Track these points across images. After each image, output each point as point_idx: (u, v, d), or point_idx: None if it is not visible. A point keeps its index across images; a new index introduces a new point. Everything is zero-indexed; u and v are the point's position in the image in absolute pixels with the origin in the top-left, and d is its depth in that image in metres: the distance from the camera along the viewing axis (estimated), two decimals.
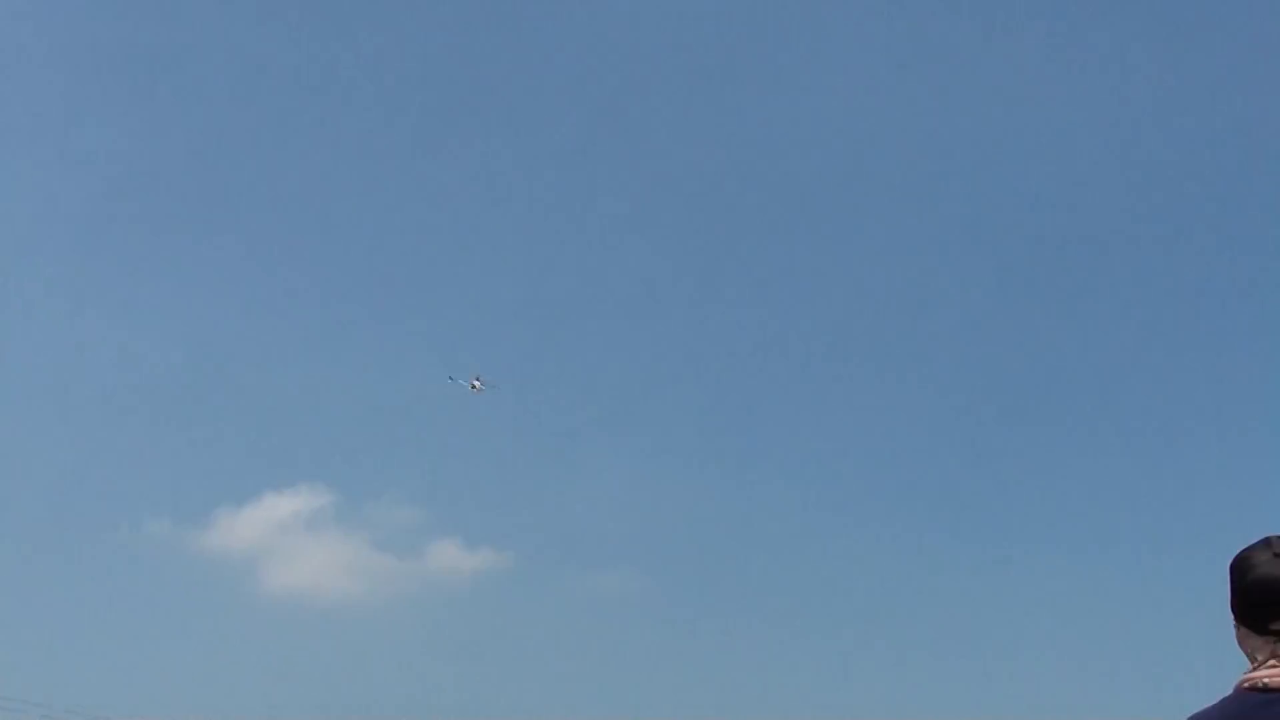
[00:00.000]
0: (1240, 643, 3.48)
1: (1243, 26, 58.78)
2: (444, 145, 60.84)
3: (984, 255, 57.94)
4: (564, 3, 61.35)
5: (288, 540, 50.33)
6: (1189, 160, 57.52)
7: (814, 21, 59.84)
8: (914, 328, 57.10)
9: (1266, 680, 3.35)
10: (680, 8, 60.66)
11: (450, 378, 50.19)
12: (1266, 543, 3.45)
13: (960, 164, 58.48)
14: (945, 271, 57.78)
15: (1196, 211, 57.27)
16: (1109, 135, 59.00)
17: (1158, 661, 42.03)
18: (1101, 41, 58.44)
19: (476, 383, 48.58)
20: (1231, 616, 3.49)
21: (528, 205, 59.07)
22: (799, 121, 59.12)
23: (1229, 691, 3.43)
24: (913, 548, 49.96)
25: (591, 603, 49.73)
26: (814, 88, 58.43)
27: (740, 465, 55.12)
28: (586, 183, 61.00)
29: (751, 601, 50.24)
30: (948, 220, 59.44)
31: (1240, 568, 3.46)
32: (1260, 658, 3.40)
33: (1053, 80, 59.56)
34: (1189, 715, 3.46)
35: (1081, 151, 58.99)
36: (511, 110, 61.69)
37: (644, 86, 61.11)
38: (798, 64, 58.56)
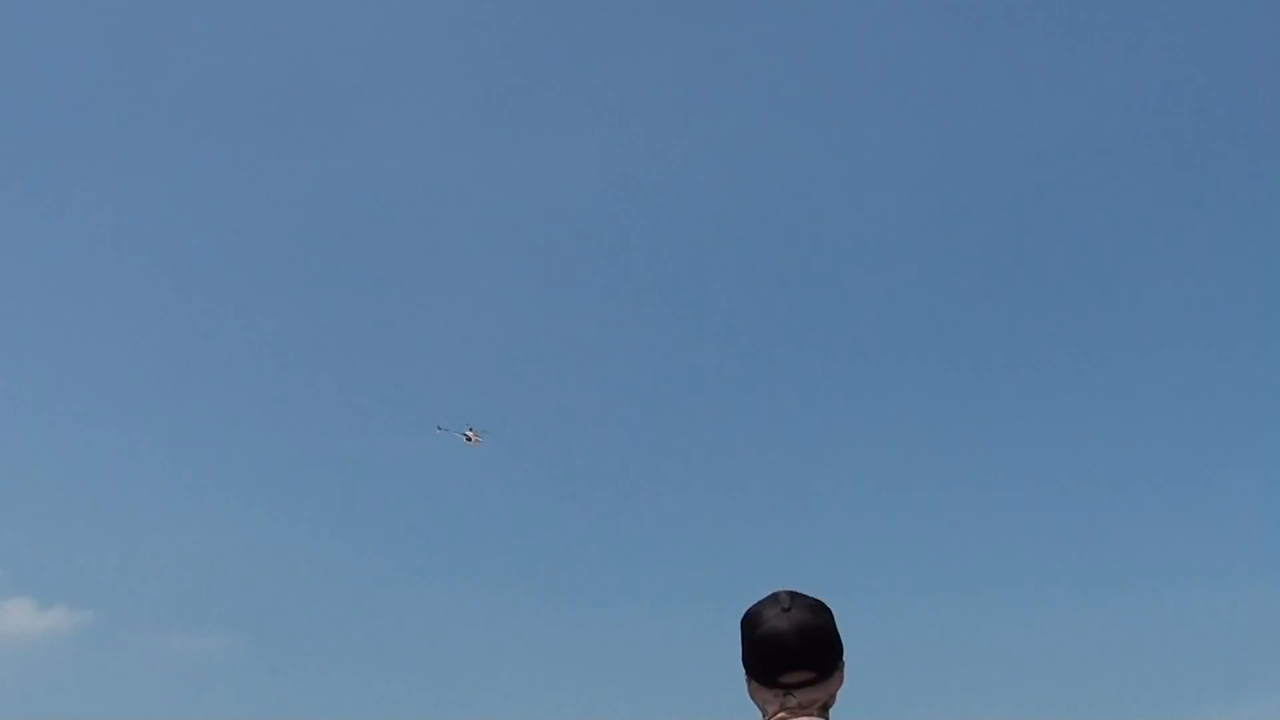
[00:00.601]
0: (752, 695, 3.59)
1: None
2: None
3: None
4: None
5: None
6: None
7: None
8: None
9: None
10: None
11: (440, 428, 44.99)
12: (774, 598, 3.56)
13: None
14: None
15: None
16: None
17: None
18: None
19: (470, 432, 44.13)
20: (744, 670, 3.59)
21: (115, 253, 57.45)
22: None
23: None
24: (505, 609, 49.10)
25: (179, 664, 47.41)
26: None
27: (334, 520, 53.34)
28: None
29: (347, 660, 48.33)
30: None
31: (750, 623, 3.56)
32: (770, 709, 3.52)
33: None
34: None
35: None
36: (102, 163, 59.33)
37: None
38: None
